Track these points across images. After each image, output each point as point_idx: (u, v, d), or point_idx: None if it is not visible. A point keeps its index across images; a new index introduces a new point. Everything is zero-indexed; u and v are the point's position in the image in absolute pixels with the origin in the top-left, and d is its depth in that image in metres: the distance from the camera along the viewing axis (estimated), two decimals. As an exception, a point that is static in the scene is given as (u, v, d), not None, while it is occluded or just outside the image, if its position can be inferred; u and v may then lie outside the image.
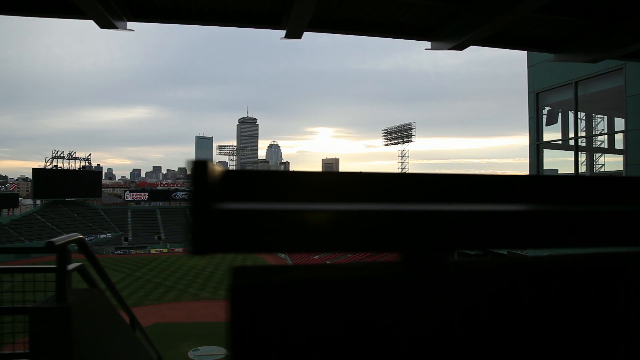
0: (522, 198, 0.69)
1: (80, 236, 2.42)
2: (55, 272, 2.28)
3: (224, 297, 0.53)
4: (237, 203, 0.53)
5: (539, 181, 0.72)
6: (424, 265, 0.60)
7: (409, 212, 0.59)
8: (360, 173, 0.60)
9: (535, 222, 0.62)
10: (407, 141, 77.11)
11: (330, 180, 0.59)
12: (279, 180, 0.57)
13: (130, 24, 5.81)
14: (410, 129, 76.37)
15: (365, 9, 5.77)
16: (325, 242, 0.55)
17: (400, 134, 78.16)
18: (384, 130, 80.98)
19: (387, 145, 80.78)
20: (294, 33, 5.73)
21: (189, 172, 0.51)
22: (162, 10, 5.83)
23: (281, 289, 0.55)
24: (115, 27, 5.33)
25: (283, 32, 6.03)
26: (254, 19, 6.03)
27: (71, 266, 2.34)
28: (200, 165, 0.51)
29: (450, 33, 6.22)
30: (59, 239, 2.19)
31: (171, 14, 5.88)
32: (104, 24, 5.21)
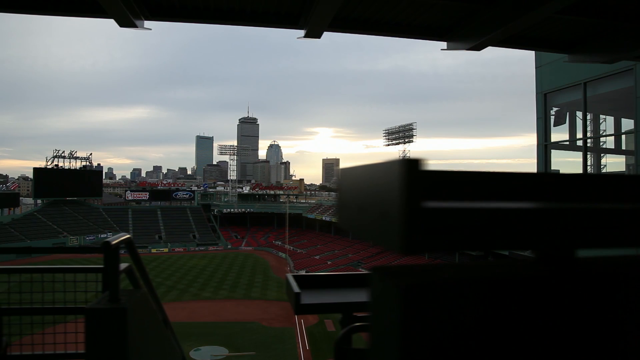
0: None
1: (129, 236, 2.43)
2: (107, 273, 2.28)
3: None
4: (445, 202, 0.52)
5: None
6: (560, 264, 0.61)
7: (548, 210, 0.59)
8: (544, 173, 0.60)
9: None
10: (409, 141, 77.11)
11: (522, 180, 0.59)
12: (477, 180, 0.56)
13: (147, 23, 5.79)
14: (412, 129, 76.41)
15: (385, 9, 5.76)
16: (520, 240, 0.55)
17: (401, 134, 78.16)
18: (386, 130, 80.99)
19: (388, 145, 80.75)
20: (313, 33, 5.72)
21: (400, 172, 0.51)
22: (179, 9, 5.81)
23: (444, 288, 0.55)
24: (135, 26, 5.32)
25: (300, 32, 6.02)
26: (271, 18, 6.01)
27: (122, 266, 2.35)
28: (412, 164, 0.50)
29: (467, 34, 6.20)
30: (112, 239, 2.20)
31: (188, 13, 5.86)
32: (124, 22, 5.19)
